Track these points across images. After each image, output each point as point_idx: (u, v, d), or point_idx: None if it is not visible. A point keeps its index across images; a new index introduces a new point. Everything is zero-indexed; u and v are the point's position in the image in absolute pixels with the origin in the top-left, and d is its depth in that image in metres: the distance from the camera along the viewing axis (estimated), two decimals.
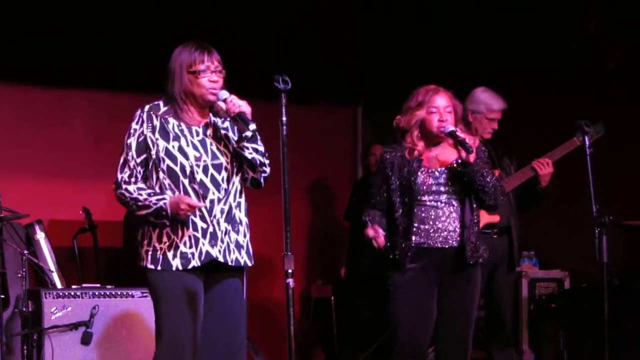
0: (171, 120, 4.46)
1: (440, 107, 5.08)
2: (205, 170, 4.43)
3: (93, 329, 6.28)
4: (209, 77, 4.45)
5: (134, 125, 4.47)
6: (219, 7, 7.54)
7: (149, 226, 4.45)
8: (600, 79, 7.24)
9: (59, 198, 7.64)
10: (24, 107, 7.73)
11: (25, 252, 6.31)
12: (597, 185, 5.61)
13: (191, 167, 4.41)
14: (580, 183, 5.69)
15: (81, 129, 7.92)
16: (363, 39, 8.34)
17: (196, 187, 4.41)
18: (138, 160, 4.44)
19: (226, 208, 4.47)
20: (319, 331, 8.62)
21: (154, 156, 4.42)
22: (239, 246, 4.51)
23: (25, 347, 6.22)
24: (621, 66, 7.17)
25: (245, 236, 4.55)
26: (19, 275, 6.23)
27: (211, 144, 4.49)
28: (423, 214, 5.05)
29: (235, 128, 4.53)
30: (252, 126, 4.39)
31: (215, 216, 4.44)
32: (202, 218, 4.42)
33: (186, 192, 4.40)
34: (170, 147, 4.42)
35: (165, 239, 4.43)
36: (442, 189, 5.08)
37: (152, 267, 4.43)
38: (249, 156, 4.50)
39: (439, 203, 5.06)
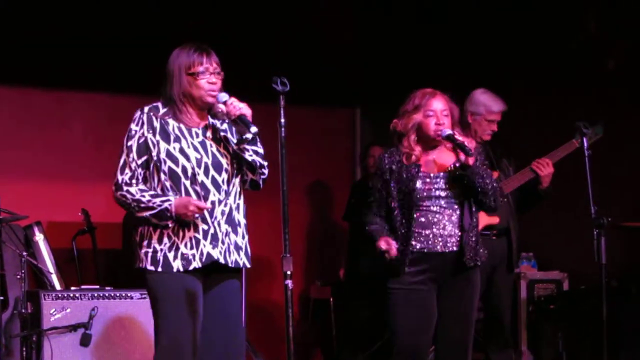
0: (171, 121, 4.46)
1: (437, 110, 5.07)
2: (206, 171, 4.44)
3: (92, 330, 6.27)
4: (208, 78, 4.45)
5: (133, 127, 4.46)
6: (219, 8, 7.54)
7: (149, 227, 4.44)
8: (599, 79, 7.23)
9: (58, 200, 7.65)
10: (23, 109, 7.73)
11: (24, 253, 6.31)
12: (596, 186, 5.61)
13: (193, 168, 4.41)
14: (578, 184, 5.69)
15: (80, 130, 7.92)
16: (362, 40, 8.34)
17: (197, 188, 4.41)
18: (139, 162, 4.44)
19: (227, 210, 4.48)
20: (317, 332, 8.62)
21: (154, 158, 4.42)
22: (238, 248, 4.51)
23: (24, 349, 6.22)
24: (621, 66, 7.17)
25: (244, 238, 4.55)
26: (18, 276, 6.23)
27: (211, 146, 4.49)
28: (423, 219, 5.05)
29: (235, 130, 4.53)
30: (254, 129, 4.38)
31: (216, 218, 4.44)
32: (203, 219, 4.41)
33: (187, 194, 4.40)
34: (171, 148, 4.42)
35: (165, 240, 4.42)
36: (441, 193, 5.07)
37: (152, 268, 4.42)
38: (249, 158, 4.50)
39: (438, 208, 5.06)
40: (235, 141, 4.53)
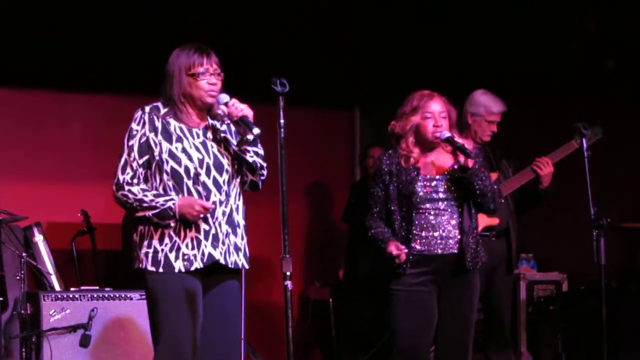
0: (172, 121, 4.46)
1: (435, 112, 5.07)
2: (207, 172, 4.43)
3: (91, 331, 6.27)
4: (208, 79, 4.44)
5: (134, 126, 4.46)
6: (219, 8, 7.54)
7: (150, 227, 4.43)
8: (599, 80, 7.24)
9: (57, 200, 7.65)
10: (23, 109, 7.73)
11: (24, 254, 6.31)
12: (595, 187, 5.61)
13: (195, 168, 4.41)
14: (578, 185, 5.69)
15: (80, 131, 7.93)
16: (361, 40, 8.33)
17: (200, 188, 4.41)
18: (140, 162, 4.43)
19: (227, 210, 4.48)
20: (317, 333, 8.62)
21: (156, 157, 4.41)
22: (237, 249, 4.51)
23: (23, 350, 6.21)
24: (621, 67, 7.18)
25: (243, 239, 4.55)
26: (18, 277, 6.23)
27: (212, 146, 4.49)
28: (422, 222, 5.04)
29: (235, 131, 4.53)
30: (256, 130, 4.38)
31: (217, 218, 4.44)
32: (205, 220, 4.41)
33: (190, 194, 4.40)
34: (173, 148, 4.42)
35: (167, 240, 4.41)
36: (440, 195, 5.07)
37: (152, 269, 4.41)
38: (250, 159, 4.50)
39: (438, 210, 5.06)
40: (235, 142, 4.53)
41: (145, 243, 4.43)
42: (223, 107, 4.45)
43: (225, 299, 4.52)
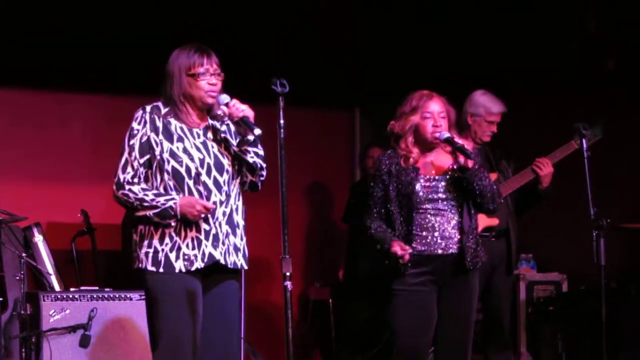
0: (173, 121, 4.46)
1: (434, 112, 5.07)
2: (208, 172, 4.44)
3: (91, 331, 6.26)
4: (208, 80, 4.45)
5: (135, 126, 4.45)
6: (219, 8, 7.54)
7: (150, 227, 4.43)
8: (599, 80, 7.23)
9: (57, 201, 7.64)
10: (23, 110, 7.73)
11: (24, 255, 6.31)
12: (595, 187, 5.61)
13: (196, 168, 4.41)
14: (578, 186, 5.69)
15: (80, 131, 7.92)
16: (361, 41, 8.33)
17: (200, 188, 4.41)
18: (141, 161, 4.43)
19: (227, 211, 4.48)
20: (317, 333, 8.61)
21: (158, 157, 4.41)
22: (236, 249, 4.52)
23: (23, 350, 6.21)
24: (620, 67, 7.17)
25: (242, 239, 4.56)
26: (17, 278, 6.22)
27: (212, 147, 4.49)
28: (422, 222, 5.05)
29: (236, 132, 4.53)
30: (257, 131, 4.38)
31: (217, 218, 4.44)
32: (205, 220, 4.41)
33: (191, 193, 4.40)
34: (174, 148, 4.42)
35: (167, 240, 4.41)
36: (440, 195, 5.07)
37: (153, 269, 4.41)
38: (251, 160, 4.51)
39: (437, 210, 5.06)
40: (235, 143, 4.53)
41: (146, 243, 4.43)
42: (224, 108, 4.45)
43: (225, 299, 4.52)
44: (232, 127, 4.57)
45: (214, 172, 4.45)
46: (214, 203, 4.41)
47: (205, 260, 4.41)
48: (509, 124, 6.33)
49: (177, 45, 4.53)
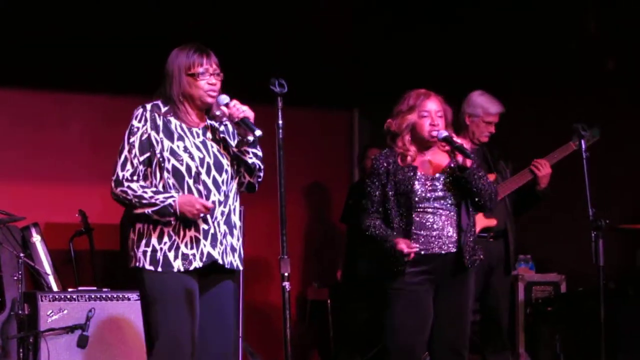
0: (173, 120, 4.45)
1: (431, 111, 5.08)
2: (208, 171, 4.43)
3: (89, 332, 6.26)
4: (208, 79, 4.44)
5: (135, 123, 4.44)
6: (218, 8, 7.54)
7: (149, 225, 4.41)
8: (598, 81, 7.23)
9: (55, 201, 7.63)
10: (21, 110, 7.72)
11: (22, 255, 6.30)
12: (594, 188, 5.61)
13: (197, 167, 4.40)
14: (576, 186, 5.69)
15: (78, 131, 7.91)
16: (360, 41, 8.33)
17: (200, 187, 4.41)
18: (141, 159, 4.41)
19: (226, 211, 4.48)
20: (315, 334, 8.61)
21: (158, 155, 4.40)
22: (233, 250, 4.51)
23: (21, 350, 6.20)
24: (620, 68, 7.17)
25: (238, 240, 4.55)
26: (15, 278, 6.21)
27: (212, 146, 4.49)
28: (420, 220, 5.05)
29: (235, 132, 4.53)
30: (258, 132, 4.38)
31: (216, 218, 4.44)
32: (204, 219, 4.41)
33: (190, 192, 4.39)
34: (175, 146, 4.41)
35: (166, 239, 4.40)
36: (438, 194, 5.07)
37: (151, 268, 4.40)
38: (250, 161, 4.51)
39: (435, 209, 5.06)
40: (233, 143, 4.53)
41: (144, 242, 4.42)
42: (224, 108, 4.44)
43: (222, 299, 4.52)
44: (231, 128, 4.57)
45: (213, 172, 4.44)
46: (213, 202, 4.40)
47: (204, 259, 4.40)
48: (507, 124, 6.33)
49: (176, 45, 4.52)
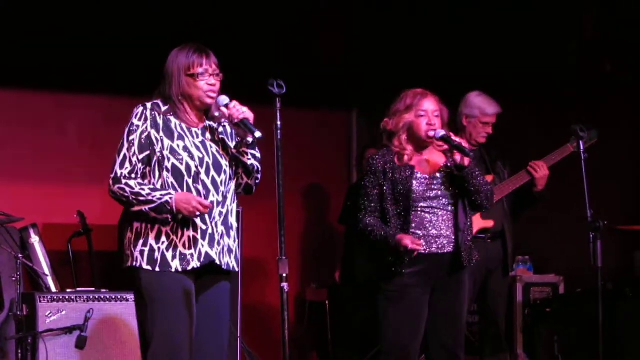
0: (173, 119, 4.45)
1: (428, 110, 5.09)
2: (207, 171, 4.43)
3: (87, 332, 6.25)
4: (207, 80, 4.45)
5: (135, 122, 4.43)
6: (218, 8, 7.53)
7: (147, 224, 4.41)
8: (596, 82, 7.24)
9: (53, 202, 7.62)
10: (19, 111, 7.71)
11: (20, 255, 6.29)
12: (592, 189, 5.62)
13: (196, 167, 4.40)
14: (574, 188, 5.69)
15: (76, 132, 7.90)
16: (358, 42, 8.33)
17: (199, 187, 4.41)
18: (140, 157, 4.41)
19: (224, 211, 4.48)
20: (313, 335, 8.60)
21: (158, 154, 4.39)
22: (230, 251, 4.51)
23: (19, 351, 6.20)
24: (618, 69, 7.18)
25: (235, 241, 4.55)
26: (14, 279, 6.21)
27: (211, 147, 4.49)
28: (418, 220, 5.05)
29: (235, 133, 4.53)
30: (258, 134, 4.38)
31: (214, 218, 4.44)
32: (202, 219, 4.41)
33: (189, 192, 4.40)
34: (175, 145, 4.41)
35: (164, 238, 4.40)
36: (436, 193, 5.07)
37: (149, 267, 4.39)
38: (248, 162, 4.51)
39: (433, 208, 5.06)
40: (232, 145, 4.53)
41: (141, 241, 4.41)
42: (224, 109, 4.44)
43: (219, 301, 4.52)
44: (229, 129, 4.57)
45: (212, 172, 4.44)
46: (211, 202, 4.40)
47: (202, 260, 4.40)
48: (506, 125, 6.33)
49: (176, 45, 4.52)
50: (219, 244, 4.44)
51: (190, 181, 4.40)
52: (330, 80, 8.27)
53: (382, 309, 5.11)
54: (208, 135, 4.51)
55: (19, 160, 7.62)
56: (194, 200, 4.31)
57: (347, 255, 8.03)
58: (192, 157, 4.41)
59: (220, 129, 4.55)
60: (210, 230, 4.42)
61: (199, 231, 4.40)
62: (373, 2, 8.05)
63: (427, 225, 5.05)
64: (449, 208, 5.08)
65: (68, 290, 6.53)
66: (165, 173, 4.40)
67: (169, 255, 4.38)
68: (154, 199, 4.33)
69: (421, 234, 5.03)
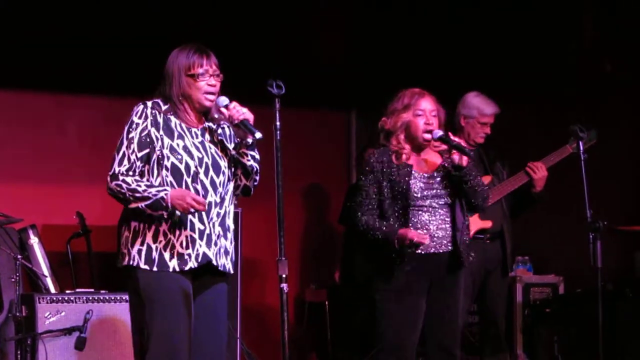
0: (173, 118, 4.45)
1: (426, 110, 5.10)
2: (206, 171, 4.43)
3: (87, 333, 6.25)
4: (207, 80, 4.44)
5: (136, 120, 4.42)
6: (218, 9, 7.53)
7: (144, 224, 4.40)
8: (596, 83, 7.23)
9: (52, 203, 7.62)
10: (18, 111, 7.71)
11: (19, 256, 6.28)
12: (592, 190, 5.62)
13: (195, 166, 4.40)
14: (574, 188, 5.69)
15: (76, 133, 7.90)
16: (357, 43, 8.33)
17: (198, 187, 4.40)
18: (139, 155, 4.40)
19: (222, 212, 4.48)
20: (313, 336, 8.60)
21: (157, 152, 4.39)
22: (226, 252, 4.51)
23: (19, 352, 6.20)
24: (618, 69, 7.17)
25: (232, 243, 4.55)
26: (13, 280, 6.20)
27: (210, 147, 4.49)
28: (416, 219, 5.05)
29: (229, 135, 4.53)
30: (258, 134, 4.38)
31: (212, 219, 4.43)
32: (200, 219, 4.40)
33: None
34: (174, 144, 4.40)
35: (161, 237, 4.39)
36: (434, 192, 5.08)
37: (146, 267, 4.38)
38: (248, 163, 4.50)
39: (431, 208, 5.06)
40: (231, 146, 4.52)
41: (139, 240, 4.40)
42: (224, 110, 4.43)
43: (216, 302, 4.52)
44: (228, 131, 4.57)
45: (211, 172, 4.44)
46: (209, 203, 4.39)
47: (199, 260, 4.39)
48: (506, 125, 6.32)
49: (176, 45, 4.52)
50: (216, 244, 4.44)
51: (189, 180, 4.39)
52: (329, 80, 8.27)
53: (381, 308, 5.11)
54: (207, 136, 4.50)
55: (19, 160, 7.61)
56: (188, 196, 4.29)
57: (347, 255, 8.03)
58: (191, 156, 4.40)
59: (219, 131, 4.54)
60: (207, 231, 4.41)
61: (197, 231, 4.39)
62: (373, 2, 8.05)
63: (425, 224, 5.05)
64: (447, 207, 5.09)
65: (67, 292, 6.52)
66: (164, 172, 4.39)
67: (166, 254, 4.37)
68: (150, 195, 4.32)
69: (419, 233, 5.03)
